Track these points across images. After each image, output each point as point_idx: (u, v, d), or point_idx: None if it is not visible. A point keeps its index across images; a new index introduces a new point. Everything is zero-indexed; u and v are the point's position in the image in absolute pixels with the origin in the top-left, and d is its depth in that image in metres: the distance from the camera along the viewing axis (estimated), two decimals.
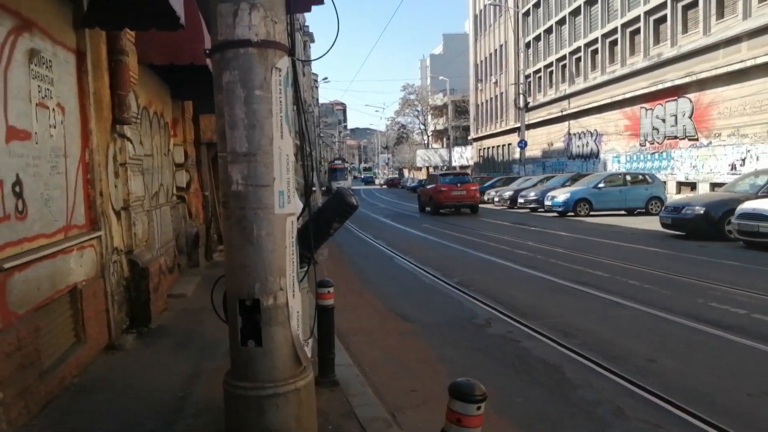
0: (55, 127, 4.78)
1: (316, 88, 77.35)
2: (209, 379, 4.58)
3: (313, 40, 71.51)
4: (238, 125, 2.94)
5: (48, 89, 4.65)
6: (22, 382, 3.77)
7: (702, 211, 13.36)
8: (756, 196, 12.75)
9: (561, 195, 22.19)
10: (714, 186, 23.11)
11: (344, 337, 6.26)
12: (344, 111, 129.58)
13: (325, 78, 71.82)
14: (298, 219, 3.28)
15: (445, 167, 64.26)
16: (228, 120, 2.96)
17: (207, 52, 3.04)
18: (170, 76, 9.55)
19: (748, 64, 20.95)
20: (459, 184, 24.85)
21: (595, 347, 5.66)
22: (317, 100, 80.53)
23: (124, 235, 6.51)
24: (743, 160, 21.79)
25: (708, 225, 13.28)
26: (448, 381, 4.90)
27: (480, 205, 26.60)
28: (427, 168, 73.66)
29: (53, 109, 4.76)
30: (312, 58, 72.98)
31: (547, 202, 22.78)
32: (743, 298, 7.46)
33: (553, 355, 5.53)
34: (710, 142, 23.78)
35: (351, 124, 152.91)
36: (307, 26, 62.07)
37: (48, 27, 4.70)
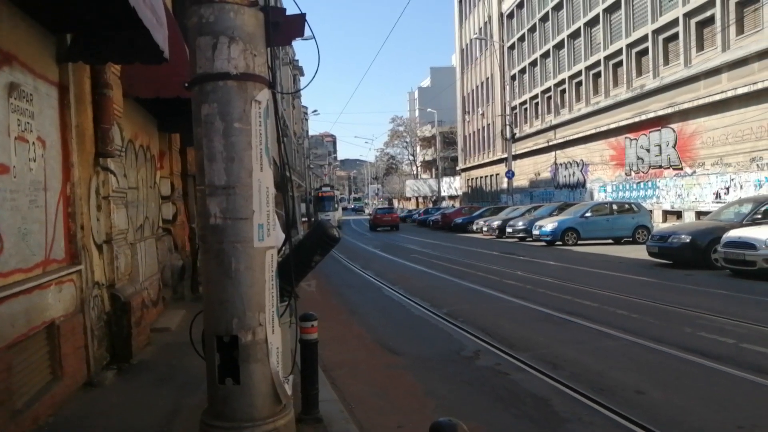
0: (35, 161, 4.73)
1: (306, 120, 77.90)
2: (189, 417, 4.44)
3: (302, 74, 72.24)
4: (217, 158, 2.91)
5: (28, 123, 4.61)
6: None
7: (688, 240, 13.43)
8: (741, 225, 12.85)
9: (549, 224, 22.29)
10: (699, 214, 23.32)
11: (329, 371, 6.15)
12: (334, 142, 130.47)
13: (315, 110, 72.53)
14: (278, 252, 3.23)
15: (434, 197, 65.29)
16: (206, 153, 2.93)
17: (186, 85, 3.02)
18: (157, 109, 9.55)
19: (729, 94, 21.37)
20: (388, 213, 44.60)
21: (584, 379, 5.59)
22: (307, 132, 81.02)
23: (105, 268, 6.40)
24: (727, 188, 22.06)
25: (694, 253, 13.33)
26: (436, 416, 4.80)
27: (469, 235, 29.85)
28: (417, 198, 73.98)
29: (33, 143, 4.71)
30: (301, 90, 73.69)
31: (535, 232, 22.85)
32: (731, 327, 7.44)
33: (542, 387, 5.45)
34: (694, 171, 24.09)
35: (341, 155, 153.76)
36: (297, 60, 62.73)
37: (29, 61, 4.69)
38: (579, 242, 21.64)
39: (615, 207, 22.89)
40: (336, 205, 49.20)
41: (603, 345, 6.98)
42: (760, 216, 13.13)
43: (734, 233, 11.95)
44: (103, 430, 4.35)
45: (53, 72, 5.32)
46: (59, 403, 4.78)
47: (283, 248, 3.27)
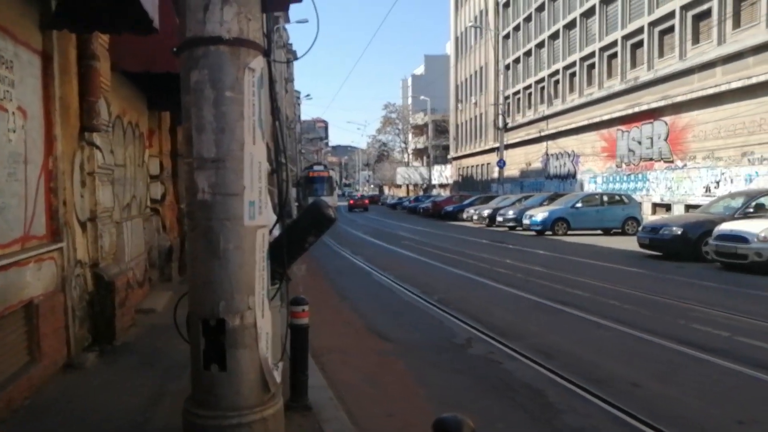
0: (14, 132, 4.50)
1: (299, 104, 77.22)
2: (172, 403, 4.27)
3: (296, 58, 71.45)
4: (206, 128, 2.72)
5: (7, 91, 4.38)
6: None
7: (680, 232, 13.39)
8: (732, 218, 12.81)
9: (539, 214, 22.22)
10: (689, 207, 23.35)
11: (319, 357, 6.00)
12: (326, 128, 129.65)
13: (308, 95, 71.83)
14: (270, 232, 3.06)
15: (425, 185, 65.36)
16: (195, 123, 2.74)
17: (175, 50, 2.82)
18: (147, 85, 9.27)
19: (723, 88, 21.30)
20: (360, 200, 53.25)
21: (578, 370, 5.48)
22: (299, 116, 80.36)
23: (89, 247, 6.19)
24: (717, 182, 22.07)
25: (685, 246, 13.30)
26: (428, 405, 4.68)
27: (459, 223, 30.64)
28: (407, 185, 73.81)
29: (13, 113, 4.49)
30: (294, 75, 72.91)
31: (526, 221, 22.78)
32: (724, 320, 7.37)
33: (535, 377, 5.33)
34: (685, 165, 24.08)
35: (332, 141, 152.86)
36: (291, 44, 61.98)
37: (9, 25, 4.45)
38: (569, 232, 21.59)
39: (605, 198, 22.87)
40: (331, 188, 39.93)
41: (596, 335, 6.89)
42: (751, 210, 13.10)
43: (726, 226, 11.91)
44: (82, 414, 4.18)
45: (36, 39, 5.07)
46: (36, 386, 4.60)
47: (275, 228, 3.09)
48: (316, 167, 43.36)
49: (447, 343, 6.67)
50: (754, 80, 19.75)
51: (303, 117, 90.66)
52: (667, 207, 25.22)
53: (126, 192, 8.36)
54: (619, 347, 6.37)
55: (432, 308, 8.57)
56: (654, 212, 25.60)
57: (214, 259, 2.76)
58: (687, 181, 23.89)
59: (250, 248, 2.81)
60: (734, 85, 20.65)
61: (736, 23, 21.46)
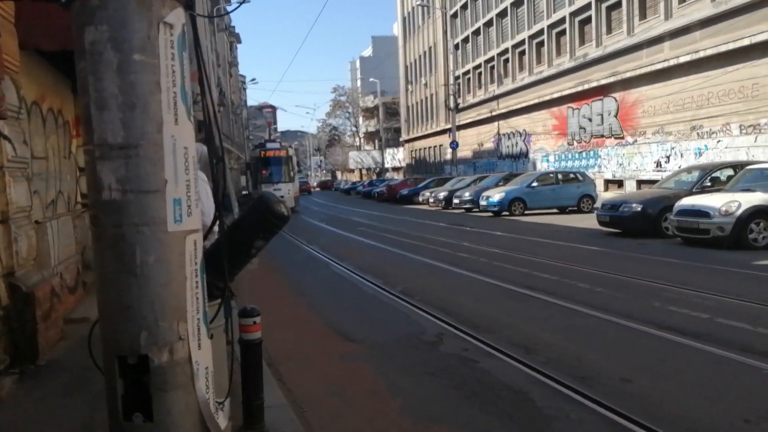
0: None
1: (244, 89, 75.13)
2: None
3: (239, 41, 69.37)
4: (110, 104, 2.03)
5: None
6: None
7: (639, 209, 13.26)
8: (690, 193, 12.75)
9: (496, 195, 21.99)
10: (640, 183, 23.60)
11: (276, 365, 5.38)
12: (274, 113, 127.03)
13: (253, 79, 69.52)
14: (205, 236, 2.39)
15: (378, 169, 64.74)
16: (94, 97, 2.05)
17: (63, 0, 2.11)
18: (71, 68, 8.29)
19: (671, 63, 21.45)
20: (305, 184, 47.91)
21: (562, 365, 5.04)
22: (245, 102, 78.24)
23: (2, 253, 5.35)
24: (668, 157, 22.32)
25: (645, 222, 13.18)
26: (402, 418, 4.08)
27: (415, 207, 31.24)
28: (360, 170, 73.13)
29: None
30: (239, 59, 70.76)
31: (483, 202, 22.53)
32: (699, 300, 7.10)
33: (518, 377, 4.85)
34: (635, 140, 24.29)
35: (281, 126, 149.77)
36: (233, 26, 59.98)
37: None
38: (526, 212, 21.46)
39: (560, 176, 22.83)
40: (291, 173, 30.21)
41: (573, 323, 6.48)
42: (709, 184, 13.08)
43: (687, 201, 11.79)
44: None
45: None
46: None
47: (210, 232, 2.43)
48: (269, 145, 32.04)
49: (416, 340, 6.13)
50: (701, 54, 19.91)
51: (249, 102, 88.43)
52: (619, 183, 25.46)
53: (50, 187, 7.45)
54: (599, 336, 5.97)
55: (396, 300, 8.02)
56: (606, 189, 25.81)
57: (128, 277, 2.09)
58: (638, 157, 24.11)
59: (178, 260, 2.15)
60: (682, 59, 20.81)
61: None
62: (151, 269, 2.08)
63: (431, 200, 29.42)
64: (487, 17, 38.64)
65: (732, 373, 4.77)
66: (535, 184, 22.02)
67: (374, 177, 61.96)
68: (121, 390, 2.14)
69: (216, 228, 2.53)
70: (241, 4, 2.71)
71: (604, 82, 25.83)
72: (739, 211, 10.61)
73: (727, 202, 10.80)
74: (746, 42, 18.05)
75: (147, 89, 2.06)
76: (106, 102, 2.04)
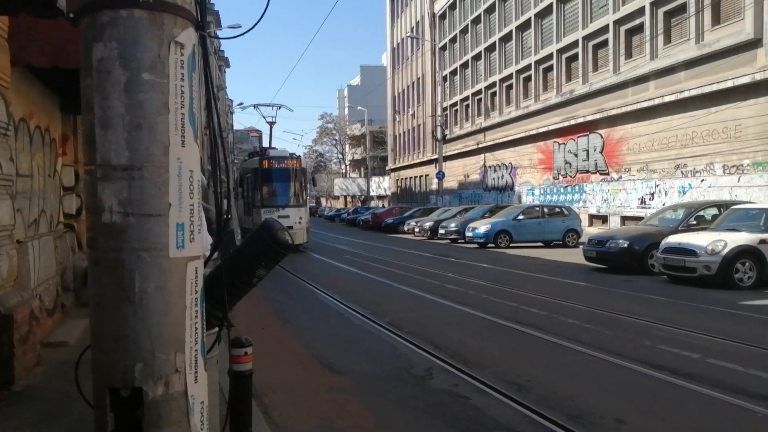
0: None
1: (232, 113, 75.20)
2: None
3: (228, 65, 69.72)
4: (115, 124, 1.95)
5: None
6: None
7: (626, 245, 13.32)
8: (676, 230, 12.85)
9: (482, 226, 22.03)
10: (625, 219, 23.82)
11: (262, 396, 5.21)
12: (260, 138, 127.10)
13: (241, 103, 69.42)
14: (205, 263, 2.30)
15: (363, 196, 64.76)
16: (99, 116, 1.97)
17: (71, 16, 2.05)
18: (59, 85, 8.21)
19: (656, 102, 21.87)
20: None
21: (555, 404, 4.94)
22: (232, 126, 78.25)
23: None
24: (652, 194, 22.59)
25: (632, 259, 13.24)
26: None
27: (400, 236, 30.56)
28: (345, 197, 73.13)
29: None
30: (226, 82, 71.04)
31: (469, 234, 22.53)
32: (690, 340, 7.06)
33: (510, 415, 4.74)
34: (620, 177, 24.59)
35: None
36: (222, 50, 60.32)
37: None
38: (511, 245, 21.49)
39: (546, 210, 22.95)
40: (303, 193, 21.83)
41: (564, 360, 6.40)
42: (694, 222, 13.21)
43: (673, 239, 11.87)
44: None
45: None
46: None
47: (211, 259, 2.33)
48: (273, 152, 22.69)
49: (405, 374, 5.99)
50: (686, 94, 20.34)
51: (236, 126, 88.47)
52: (604, 219, 25.67)
53: (32, 206, 7.26)
54: (591, 374, 5.89)
55: (383, 332, 7.88)
56: (591, 224, 26.02)
57: (126, 305, 1.98)
58: (623, 193, 24.37)
59: (178, 288, 2.05)
60: (667, 99, 21.22)
61: (668, 39, 22.13)
62: (150, 297, 1.98)
63: (417, 230, 29.39)
64: (476, 51, 39.28)
65: (726, 415, 4.71)
66: (521, 217, 22.12)
67: (359, 204, 61.95)
68: (111, 425, 2.01)
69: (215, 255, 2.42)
70: (251, 29, 2.65)
71: (590, 118, 26.23)
72: (725, 251, 10.69)
73: (713, 241, 10.89)
74: (729, 84, 18.49)
75: (155, 109, 1.99)
76: (112, 121, 1.96)
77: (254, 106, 24.71)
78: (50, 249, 7.71)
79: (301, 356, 6.81)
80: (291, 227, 18.45)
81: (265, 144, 24.32)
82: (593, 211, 26.45)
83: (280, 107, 24.60)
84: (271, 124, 25.36)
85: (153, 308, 1.99)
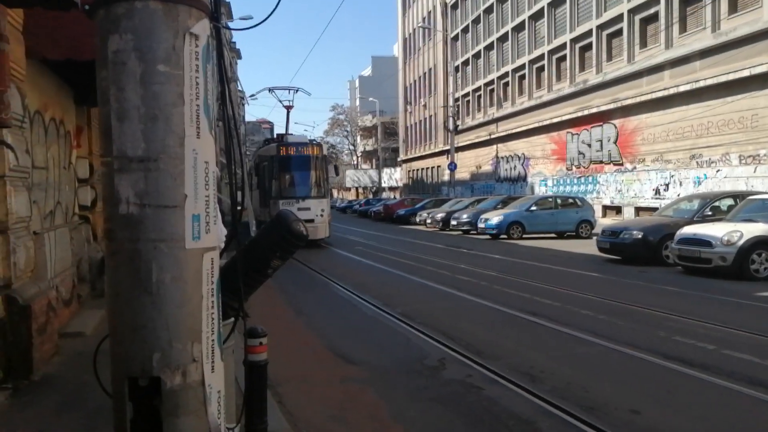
0: None
1: (243, 105, 75.35)
2: None
3: (240, 57, 69.79)
4: (131, 116, 1.96)
5: None
6: None
7: (640, 236, 13.22)
8: (691, 221, 12.73)
9: (494, 217, 21.94)
10: (639, 210, 23.63)
11: (276, 386, 5.24)
12: (271, 129, 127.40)
13: (252, 95, 69.61)
14: (222, 254, 2.31)
15: (375, 188, 64.72)
16: (116, 108, 1.98)
17: (86, 8, 2.05)
18: (73, 78, 8.28)
19: (671, 92, 21.61)
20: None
21: (569, 395, 4.93)
22: (243, 117, 78.43)
23: None
24: (667, 185, 22.38)
25: (646, 250, 13.13)
26: None
27: (412, 227, 30.48)
28: (356, 188, 73.17)
29: None
30: (238, 72, 71.13)
31: (481, 225, 22.46)
32: (704, 331, 7.01)
33: (524, 406, 4.74)
34: (635, 167, 24.37)
35: None
36: (234, 42, 60.35)
37: None
38: (524, 236, 21.40)
39: (559, 201, 22.80)
40: (325, 184, 20.22)
41: (578, 351, 6.38)
42: (710, 213, 13.07)
43: (688, 230, 11.76)
44: None
45: None
46: None
47: (226, 250, 2.35)
48: (291, 138, 20.76)
49: (418, 364, 6.01)
50: (701, 84, 20.08)
51: (247, 118, 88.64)
52: (618, 209, 25.49)
53: (48, 198, 7.35)
54: (605, 365, 5.87)
55: (397, 323, 7.90)
56: (604, 215, 25.83)
57: (144, 295, 2.00)
58: (637, 184, 24.17)
59: (195, 279, 2.06)
60: (682, 88, 20.97)
61: (683, 28, 21.83)
62: (167, 288, 2.00)
63: (428, 221, 29.35)
64: (488, 41, 39.00)
65: (742, 406, 4.68)
66: (533, 208, 22.00)
67: (370, 196, 61.93)
68: (130, 414, 2.04)
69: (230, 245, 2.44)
70: (264, 20, 2.65)
71: (604, 108, 25.99)
72: (741, 242, 10.58)
73: (729, 232, 10.78)
74: (746, 73, 18.22)
75: (170, 101, 1.99)
76: (128, 113, 1.97)
77: (269, 89, 22.99)
78: (66, 240, 7.79)
79: (315, 346, 6.85)
80: (312, 220, 17.79)
81: (280, 132, 23.48)
82: (607, 202, 26.26)
83: (297, 90, 23.01)
84: (288, 108, 23.39)
85: (170, 298, 2.01)
